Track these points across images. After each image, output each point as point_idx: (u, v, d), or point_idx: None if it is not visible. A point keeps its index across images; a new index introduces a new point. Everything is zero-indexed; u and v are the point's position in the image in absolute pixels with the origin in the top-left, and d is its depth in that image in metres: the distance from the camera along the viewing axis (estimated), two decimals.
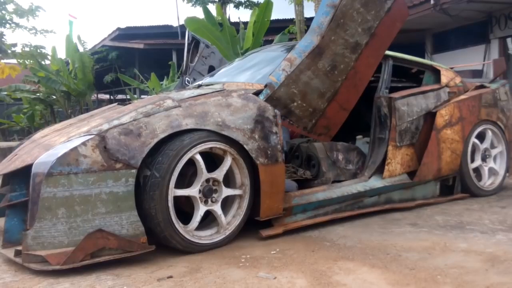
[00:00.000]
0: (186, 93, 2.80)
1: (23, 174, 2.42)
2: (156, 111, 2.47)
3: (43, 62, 12.27)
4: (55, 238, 2.17)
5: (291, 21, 11.88)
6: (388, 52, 3.49)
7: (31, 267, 2.16)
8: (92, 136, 2.30)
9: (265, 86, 2.81)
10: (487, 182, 3.86)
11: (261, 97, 2.77)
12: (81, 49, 13.08)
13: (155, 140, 2.36)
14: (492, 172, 3.91)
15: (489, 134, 3.86)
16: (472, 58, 8.92)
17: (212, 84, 3.26)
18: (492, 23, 8.87)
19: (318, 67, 2.84)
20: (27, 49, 11.47)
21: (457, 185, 3.70)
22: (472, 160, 3.77)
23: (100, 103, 16.90)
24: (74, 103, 13.47)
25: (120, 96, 17.76)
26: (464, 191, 3.72)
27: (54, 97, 13.11)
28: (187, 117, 2.49)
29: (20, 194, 2.48)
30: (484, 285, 1.90)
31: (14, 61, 11.90)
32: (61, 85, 12.06)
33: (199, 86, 3.37)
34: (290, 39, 9.75)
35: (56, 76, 12.02)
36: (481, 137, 3.83)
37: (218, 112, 2.58)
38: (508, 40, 8.70)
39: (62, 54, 14.06)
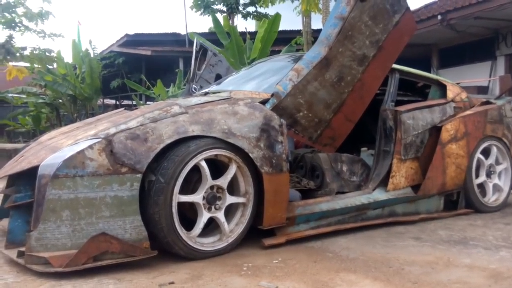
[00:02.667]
0: (193, 100, 2.82)
1: (29, 175, 2.44)
2: (163, 116, 2.49)
3: (50, 66, 12.38)
4: (58, 240, 2.17)
5: (298, 32, 11.95)
6: (395, 66, 3.51)
7: (33, 268, 2.16)
8: (99, 139, 2.31)
9: (272, 95, 2.82)
10: (492, 198, 3.84)
11: (268, 106, 2.78)
12: (91, 54, 13.18)
13: (161, 146, 2.38)
14: (497, 188, 3.89)
15: (494, 150, 3.85)
16: (478, 74, 8.93)
17: (219, 92, 3.28)
18: (498, 40, 8.90)
19: (325, 78, 2.86)
20: (35, 52, 11.57)
21: (461, 200, 3.69)
22: (477, 176, 3.76)
23: (106, 108, 16.98)
24: (80, 107, 13.56)
25: (126, 102, 17.85)
26: (468, 206, 3.70)
27: (60, 100, 13.20)
28: (194, 124, 2.50)
29: (25, 195, 2.49)
30: None
31: (22, 63, 12.00)
32: (68, 89, 12.15)
33: (206, 93, 3.40)
34: (297, 50, 9.81)
35: (63, 80, 12.12)
36: (486, 153, 3.83)
37: (225, 119, 2.60)
38: None
39: (68, 58, 14.17)
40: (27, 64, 11.76)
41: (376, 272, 2.26)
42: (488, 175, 3.85)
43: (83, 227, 2.20)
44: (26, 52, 11.24)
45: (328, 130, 2.98)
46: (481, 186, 3.80)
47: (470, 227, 3.23)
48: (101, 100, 17.19)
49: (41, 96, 13.60)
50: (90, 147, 2.27)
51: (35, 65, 11.84)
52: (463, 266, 2.36)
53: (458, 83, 4.17)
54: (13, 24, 10.98)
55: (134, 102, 12.48)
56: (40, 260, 2.16)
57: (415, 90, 4.01)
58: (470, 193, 3.68)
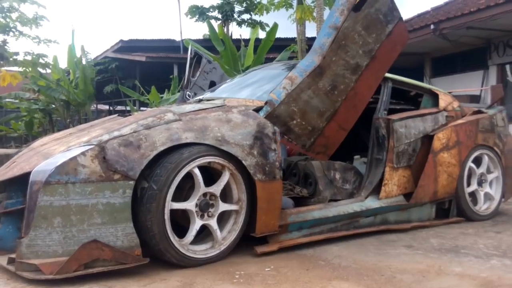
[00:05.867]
0: (187, 107, 2.82)
1: (21, 181, 2.42)
2: (156, 123, 2.49)
3: (43, 71, 12.33)
4: (49, 247, 2.16)
5: (292, 40, 12.03)
6: (387, 75, 3.54)
7: (24, 275, 2.14)
8: (92, 146, 2.31)
9: (266, 103, 2.84)
10: (483, 207, 3.87)
11: (261, 114, 2.79)
12: (84, 61, 13.17)
13: (155, 153, 2.37)
14: (488, 197, 3.92)
15: (486, 159, 3.89)
16: (470, 83, 9.02)
17: (213, 99, 3.29)
18: (491, 50, 9.00)
19: (319, 86, 2.88)
20: (29, 57, 11.53)
21: (453, 209, 3.71)
22: (468, 184, 3.79)
23: (99, 114, 16.94)
24: (73, 113, 13.51)
25: (119, 107, 17.81)
26: (460, 215, 3.72)
27: (54, 106, 13.15)
28: (187, 131, 2.50)
29: (16, 202, 2.48)
30: None
31: (15, 68, 11.95)
32: (61, 95, 12.10)
33: (200, 100, 3.40)
34: (291, 58, 9.87)
35: (56, 86, 12.08)
36: (477, 161, 3.86)
37: (218, 127, 2.60)
38: (507, 67, 8.81)
39: (63, 64, 14.14)
40: (21, 69, 11.71)
41: (368, 280, 2.26)
42: (480, 183, 3.88)
43: (75, 234, 2.18)
44: (20, 57, 11.20)
45: (321, 138, 2.99)
46: (473, 194, 3.83)
47: (462, 236, 3.25)
48: (95, 105, 17.15)
49: (34, 101, 13.53)
50: (83, 153, 2.26)
51: (28, 70, 11.80)
52: (454, 274, 2.38)
53: (450, 92, 4.21)
54: (7, 29, 10.94)
55: (128, 108, 12.46)
56: (31, 267, 2.14)
57: (407, 99, 4.05)
58: (462, 202, 3.70)
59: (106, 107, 19.01)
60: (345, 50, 2.90)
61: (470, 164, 3.77)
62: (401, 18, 3.14)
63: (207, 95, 3.70)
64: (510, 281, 2.25)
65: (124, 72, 15.57)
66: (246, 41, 10.90)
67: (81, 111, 13.17)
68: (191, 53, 4.60)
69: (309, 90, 2.86)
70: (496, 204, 3.92)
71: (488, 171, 3.94)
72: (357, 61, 2.95)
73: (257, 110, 2.84)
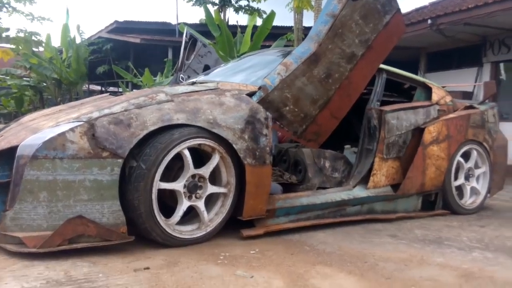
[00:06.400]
0: (180, 89, 2.80)
1: (7, 155, 2.39)
2: (148, 103, 2.47)
3: (36, 49, 12.17)
4: (34, 221, 2.15)
5: (289, 28, 11.96)
6: (382, 66, 3.54)
7: (7, 248, 2.14)
8: (81, 123, 2.29)
9: (259, 88, 2.82)
10: (468, 201, 3.92)
11: (254, 98, 2.78)
12: (78, 40, 13.00)
13: (145, 132, 2.36)
14: (474, 191, 3.97)
15: (474, 154, 3.92)
16: (464, 80, 9.05)
17: (206, 82, 3.27)
18: (486, 47, 9.01)
19: (313, 74, 2.87)
20: (21, 34, 11.37)
21: (439, 201, 3.75)
22: (456, 178, 3.82)
23: (91, 94, 16.77)
24: (65, 92, 13.38)
25: (112, 89, 17.65)
26: (445, 207, 3.77)
27: (45, 84, 13.00)
28: (179, 112, 2.49)
29: (2, 175, 2.43)
30: None
31: (7, 45, 11.77)
32: (53, 73, 11.97)
33: (193, 83, 3.38)
34: (286, 46, 9.82)
35: (48, 64, 11.93)
36: (466, 156, 3.89)
37: (210, 109, 2.59)
38: (501, 65, 8.85)
39: (56, 42, 13.94)
40: (13, 46, 11.54)
41: (351, 267, 2.29)
42: (467, 178, 3.92)
43: (60, 209, 2.18)
44: (11, 34, 11.04)
45: (313, 125, 2.99)
46: (459, 188, 3.87)
47: (446, 228, 3.29)
48: (87, 85, 16.98)
49: (25, 78, 13.37)
50: (72, 129, 2.24)
51: (20, 48, 11.63)
52: (436, 264, 2.41)
53: (443, 87, 4.22)
54: (0, 5, 10.75)
55: (121, 89, 12.35)
56: (14, 240, 2.14)
57: (401, 91, 4.05)
58: (448, 195, 3.74)
59: (98, 87, 18.83)
60: (342, 39, 2.89)
61: (458, 158, 3.80)
62: (399, 9, 3.13)
63: (201, 78, 3.68)
64: (490, 273, 2.29)
65: (118, 53, 15.41)
66: (242, 28, 10.81)
67: (72, 90, 13.04)
68: (186, 36, 4.56)
69: (303, 77, 2.85)
70: (481, 199, 3.97)
71: (476, 166, 3.97)
72: (353, 50, 2.94)
73: (251, 95, 2.82)
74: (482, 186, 3.99)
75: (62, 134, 2.22)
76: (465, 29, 8.36)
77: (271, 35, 10.27)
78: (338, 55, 2.92)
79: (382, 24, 3.04)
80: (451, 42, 9.15)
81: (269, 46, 10.20)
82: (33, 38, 11.50)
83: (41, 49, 12.68)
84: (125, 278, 1.97)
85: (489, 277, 2.23)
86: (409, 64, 9.61)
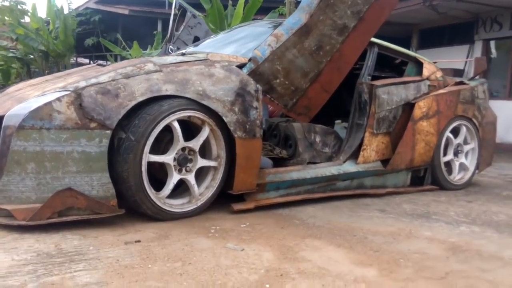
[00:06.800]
0: (169, 59, 2.75)
1: None
2: (136, 73, 2.42)
3: (22, 20, 11.84)
4: (22, 193, 2.12)
5: (281, 2, 11.74)
6: (374, 39, 3.50)
7: None
8: (68, 92, 2.24)
9: (249, 59, 2.78)
10: (457, 177, 3.96)
11: (245, 70, 2.74)
12: (66, 10, 12.66)
13: (133, 103, 2.32)
14: (463, 167, 4.01)
15: (464, 130, 3.94)
16: (455, 57, 9.04)
17: (195, 54, 3.21)
18: (478, 25, 8.98)
19: (304, 46, 2.83)
20: (6, 3, 11.04)
21: (428, 177, 3.78)
22: (445, 154, 3.85)
23: (79, 66, 16.47)
24: (52, 64, 13.10)
25: (100, 62, 17.34)
26: (434, 183, 3.80)
27: (32, 56, 12.72)
28: (168, 83, 2.45)
29: None
30: (443, 271, 1.96)
31: None
32: (40, 45, 11.70)
33: (183, 54, 3.32)
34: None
35: (35, 35, 11.64)
36: (455, 132, 3.91)
37: (200, 81, 2.55)
38: (492, 43, 8.84)
39: (42, 13, 13.56)
40: None
41: (340, 240, 2.31)
42: (456, 154, 3.95)
43: (49, 181, 2.15)
44: None
45: (304, 99, 2.97)
46: (448, 164, 3.90)
47: (434, 203, 3.33)
48: (75, 58, 16.64)
49: (11, 50, 13.05)
50: (58, 99, 2.20)
51: (6, 18, 11.31)
52: (424, 238, 2.44)
53: (435, 62, 4.20)
54: None
55: (109, 63, 12.12)
56: (3, 213, 2.12)
57: (392, 66, 4.03)
58: (437, 171, 3.77)
59: (87, 60, 18.46)
60: (333, 10, 2.84)
61: (448, 134, 3.82)
62: None
63: (190, 49, 3.61)
64: (476, 247, 2.33)
65: (106, 25, 15.04)
66: (234, 1, 10.61)
67: (60, 63, 12.77)
68: (175, 6, 4.45)
69: (294, 49, 2.81)
70: (470, 175, 4.01)
71: (465, 142, 4.00)
72: (345, 22, 2.89)
73: (241, 66, 2.78)
74: (470, 162, 4.03)
75: (49, 103, 2.17)
76: (458, 6, 8.30)
77: (262, 9, 10.10)
78: (330, 27, 2.87)
79: None
80: (444, 19, 9.10)
81: (260, 20, 10.03)
82: (18, 7, 11.18)
83: (27, 19, 12.34)
84: (116, 250, 1.97)
85: (476, 250, 2.26)
86: (401, 40, 9.54)
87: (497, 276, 1.93)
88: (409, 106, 3.58)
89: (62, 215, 2.19)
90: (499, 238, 2.51)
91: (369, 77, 3.49)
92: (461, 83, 4.08)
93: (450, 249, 2.27)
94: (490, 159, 4.27)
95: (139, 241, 2.10)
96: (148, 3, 14.38)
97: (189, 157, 2.56)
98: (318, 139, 3.41)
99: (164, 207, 2.44)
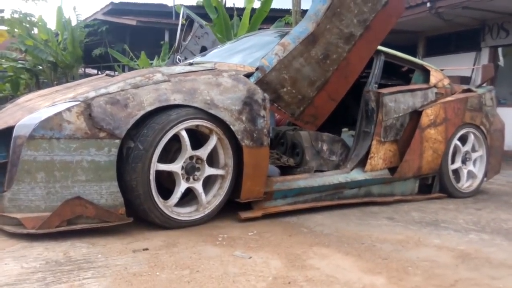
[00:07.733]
0: (177, 69, 2.78)
1: (4, 136, 2.38)
2: (144, 83, 2.45)
3: (32, 31, 12.01)
4: (32, 202, 2.14)
5: (287, 11, 11.83)
6: (380, 47, 3.51)
7: (5, 229, 2.14)
8: (78, 102, 2.27)
9: (257, 69, 2.80)
10: (465, 184, 3.94)
11: (252, 79, 2.76)
12: (74, 21, 12.83)
13: (142, 112, 2.34)
14: (471, 175, 3.98)
15: (472, 137, 3.92)
16: (462, 64, 9.00)
17: (203, 63, 3.24)
18: (484, 32, 8.96)
19: (311, 54, 2.84)
20: (16, 15, 11.20)
21: (436, 185, 3.77)
22: (453, 162, 3.83)
23: (87, 77, 16.63)
24: (61, 75, 13.24)
25: (108, 72, 17.47)
26: (442, 191, 3.78)
27: (41, 67, 12.87)
28: (176, 92, 2.47)
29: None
30: (453, 279, 1.95)
31: (1, 27, 11.61)
32: (49, 56, 11.83)
33: (190, 64, 3.35)
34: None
35: (44, 46, 11.79)
36: (463, 139, 3.90)
37: (208, 90, 2.57)
38: (500, 50, 8.81)
39: (51, 25, 13.73)
40: (6, 28, 11.39)
41: (349, 248, 2.30)
42: (464, 161, 3.93)
43: (58, 190, 2.17)
44: (5, 15, 10.88)
45: (311, 107, 2.98)
46: (456, 172, 3.89)
47: (442, 211, 3.31)
48: (83, 68, 16.81)
49: (20, 61, 13.22)
50: (68, 109, 2.22)
51: (16, 30, 11.47)
52: (433, 246, 2.43)
53: (442, 70, 4.20)
54: None
55: (117, 73, 12.24)
56: (13, 221, 2.14)
57: (399, 74, 4.03)
58: (445, 178, 3.75)
59: (94, 71, 18.65)
60: (340, 19, 2.86)
61: (456, 141, 3.80)
62: None
63: (198, 59, 3.65)
64: (486, 254, 2.31)
65: (113, 35, 15.21)
66: (240, 10, 10.69)
67: (68, 73, 12.91)
68: (183, 16, 4.50)
69: (301, 58, 2.82)
70: (478, 183, 3.99)
71: (473, 149, 3.98)
72: (351, 31, 2.91)
73: (248, 75, 2.80)
74: (479, 169, 4.00)
75: (59, 113, 2.20)
76: (464, 13, 8.29)
77: (269, 18, 10.16)
78: (336, 35, 2.88)
79: (380, 3, 3.00)
80: (450, 26, 9.10)
81: (267, 29, 10.10)
82: (28, 19, 11.33)
83: (36, 30, 12.51)
84: (124, 258, 1.98)
85: (485, 258, 2.25)
86: (408, 48, 9.54)
87: (507, 284, 1.91)
88: (416, 114, 3.58)
89: (71, 224, 2.21)
90: (509, 246, 2.49)
91: (376, 85, 3.50)
92: (469, 90, 4.08)
93: (459, 257, 2.25)
94: (498, 167, 4.24)
95: (147, 249, 2.11)
96: (155, 13, 14.54)
97: (197, 165, 2.57)
98: (325, 147, 3.41)
99: (172, 215, 2.45)
